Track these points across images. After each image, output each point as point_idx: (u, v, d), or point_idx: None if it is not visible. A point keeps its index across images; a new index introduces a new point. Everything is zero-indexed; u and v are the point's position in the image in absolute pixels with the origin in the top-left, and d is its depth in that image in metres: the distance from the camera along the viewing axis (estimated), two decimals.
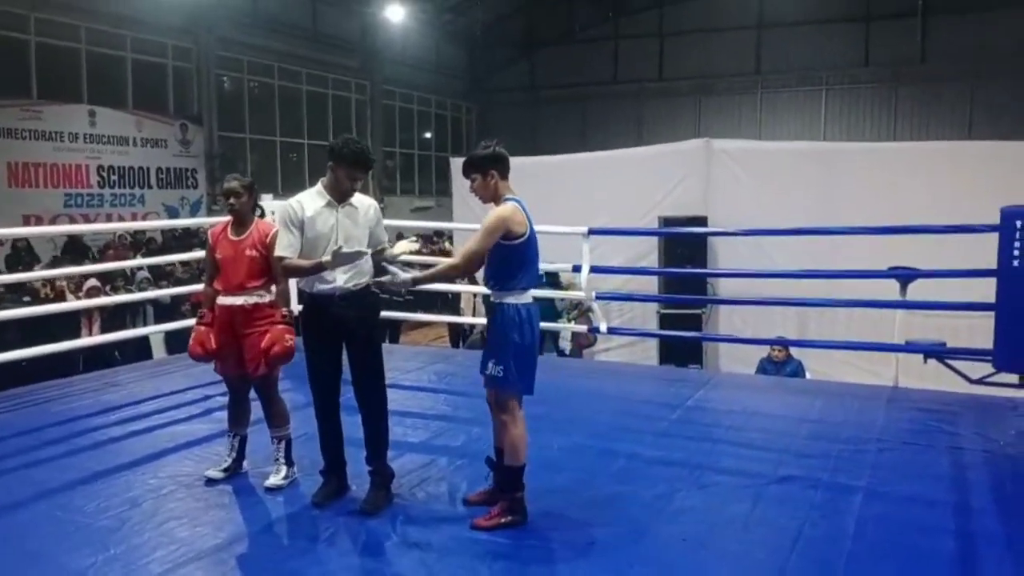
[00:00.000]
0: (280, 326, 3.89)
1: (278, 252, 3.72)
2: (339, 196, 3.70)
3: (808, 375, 7.62)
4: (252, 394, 4.14)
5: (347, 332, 3.73)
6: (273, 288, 4.01)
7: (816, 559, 3.29)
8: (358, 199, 3.76)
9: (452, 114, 27.65)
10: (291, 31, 20.30)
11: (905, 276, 5.94)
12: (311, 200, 3.72)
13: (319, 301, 3.75)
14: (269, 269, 3.95)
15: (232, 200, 3.99)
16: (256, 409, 4.19)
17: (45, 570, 3.23)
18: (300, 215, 3.67)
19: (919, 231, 6.10)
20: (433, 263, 6.72)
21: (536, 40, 27.06)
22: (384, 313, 4.24)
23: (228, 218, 4.08)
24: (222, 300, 3.99)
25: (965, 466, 4.34)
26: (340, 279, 3.68)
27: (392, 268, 3.62)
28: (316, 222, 3.67)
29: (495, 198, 3.54)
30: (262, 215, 4.19)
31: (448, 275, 3.84)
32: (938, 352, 5.79)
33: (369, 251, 3.73)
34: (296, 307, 4.17)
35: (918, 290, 5.99)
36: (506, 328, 3.49)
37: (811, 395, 5.94)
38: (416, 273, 3.64)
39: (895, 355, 6.20)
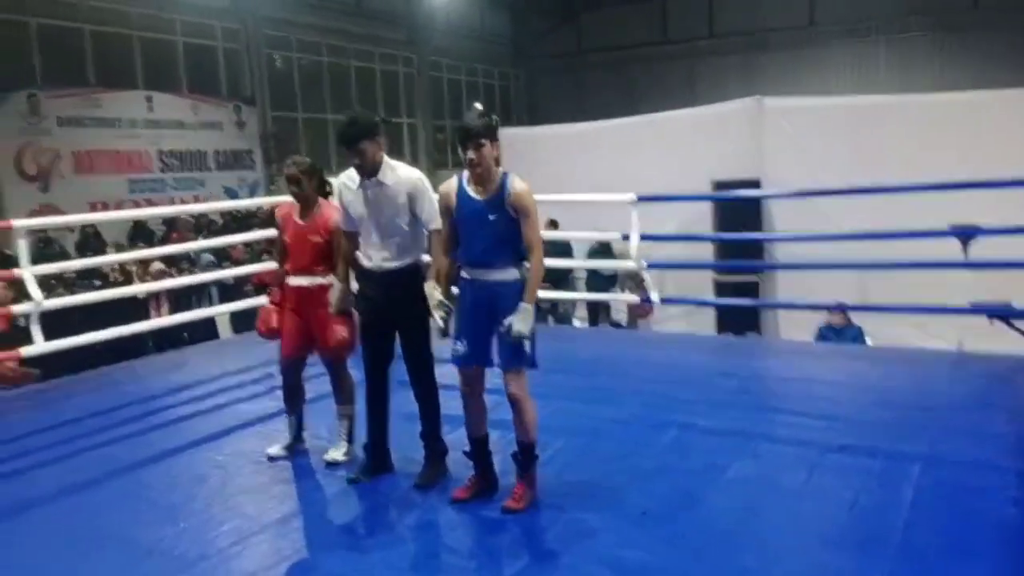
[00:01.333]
0: (333, 319, 3.91)
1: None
2: (362, 174, 3.71)
3: (869, 341, 7.47)
4: (305, 375, 4.24)
5: (392, 309, 3.77)
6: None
7: (872, 528, 3.26)
8: (392, 175, 3.70)
9: (500, 83, 27.50)
10: (336, 6, 20.38)
11: (966, 234, 5.76)
12: (352, 180, 3.77)
13: (364, 277, 3.85)
14: (332, 253, 4.01)
15: (293, 187, 4.05)
16: (315, 387, 4.30)
17: (117, 544, 3.39)
18: (341, 196, 3.80)
19: (983, 186, 5.89)
20: None
21: (581, 3, 26.63)
22: None
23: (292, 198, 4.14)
24: (291, 280, 4.10)
25: None
26: (376, 257, 3.74)
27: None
28: (352, 203, 3.76)
29: (491, 168, 3.39)
30: (330, 194, 4.20)
31: (542, 274, 3.54)
32: (1004, 313, 5.62)
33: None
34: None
35: (981, 248, 5.81)
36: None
37: (871, 361, 5.85)
38: (526, 303, 3.38)
39: (959, 317, 6.03)
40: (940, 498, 3.49)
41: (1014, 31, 20.97)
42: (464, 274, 3.53)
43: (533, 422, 3.49)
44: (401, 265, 3.75)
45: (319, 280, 4.03)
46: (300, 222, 4.07)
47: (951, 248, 5.99)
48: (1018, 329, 5.61)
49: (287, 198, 4.24)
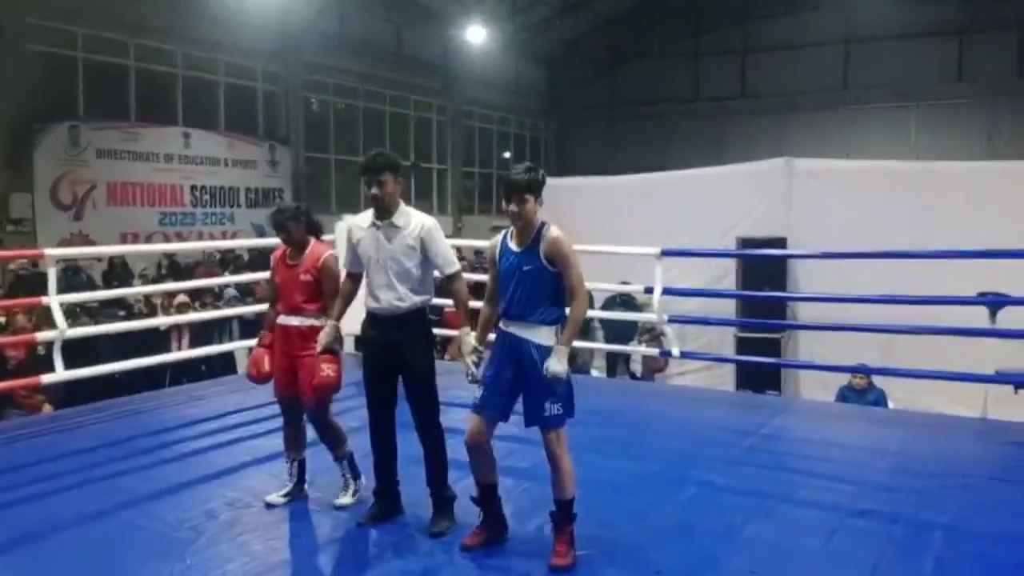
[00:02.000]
0: (320, 357, 3.86)
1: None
2: (376, 213, 3.76)
3: (891, 404, 7.35)
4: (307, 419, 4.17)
5: (398, 352, 3.76)
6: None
7: None
8: (405, 219, 3.75)
9: (531, 133, 27.83)
10: (376, 54, 20.82)
11: (995, 303, 5.69)
12: (363, 220, 3.83)
13: (369, 319, 3.84)
14: (322, 293, 4.02)
15: (282, 235, 4.09)
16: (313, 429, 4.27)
17: None
18: (350, 237, 3.86)
19: (1012, 256, 5.83)
20: None
21: (616, 57, 27.02)
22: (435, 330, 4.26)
23: None
24: (280, 320, 4.09)
25: None
26: (383, 299, 3.73)
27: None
28: (362, 242, 3.80)
29: (532, 221, 3.43)
30: (318, 234, 4.24)
31: (581, 324, 3.57)
32: None
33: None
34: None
35: (1009, 317, 5.72)
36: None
37: (894, 425, 5.73)
38: (563, 345, 3.37)
39: (984, 385, 5.93)
40: (962, 571, 3.38)
41: None
42: (500, 324, 3.54)
43: (570, 480, 3.44)
44: (408, 308, 3.75)
45: (310, 320, 4.00)
46: (290, 262, 4.09)
47: (978, 315, 5.92)
48: None
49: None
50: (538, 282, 3.40)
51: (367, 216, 3.82)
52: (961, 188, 8.63)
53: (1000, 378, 5.67)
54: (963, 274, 6.55)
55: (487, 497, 3.59)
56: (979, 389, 6.07)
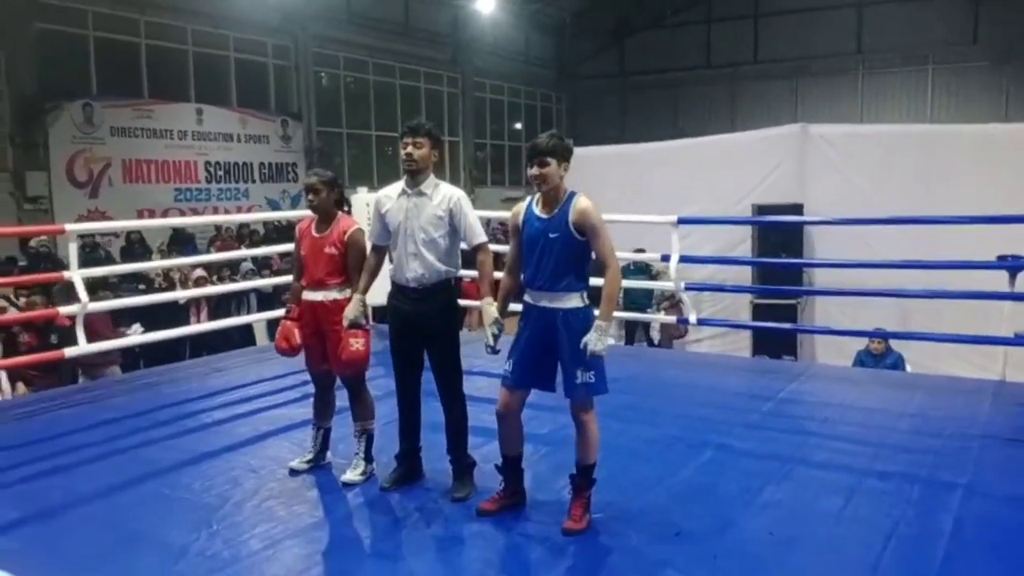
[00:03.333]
0: (348, 330, 3.86)
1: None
2: (407, 180, 3.78)
3: (909, 368, 7.34)
4: (338, 385, 4.19)
5: (423, 323, 3.78)
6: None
7: (910, 558, 3.19)
8: (435, 189, 3.78)
9: (542, 104, 27.63)
10: (384, 26, 20.69)
11: (1014, 267, 5.64)
12: (393, 190, 3.87)
13: (395, 290, 3.87)
14: (347, 267, 4.00)
15: (311, 196, 4.04)
16: (343, 398, 4.27)
17: (151, 545, 3.42)
18: (379, 206, 3.87)
19: None
20: None
21: (626, 26, 26.70)
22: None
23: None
24: (306, 295, 4.07)
25: None
26: (410, 270, 3.75)
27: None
28: (391, 212, 3.82)
29: (559, 188, 3.42)
30: (348, 210, 4.25)
31: (616, 296, 3.54)
32: None
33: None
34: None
35: None
36: (586, 331, 3.36)
37: (911, 389, 5.73)
38: (603, 321, 3.35)
39: (1003, 348, 5.90)
40: (980, 531, 3.40)
41: None
42: (527, 297, 3.50)
43: (596, 446, 3.47)
44: (434, 280, 3.77)
45: (333, 294, 3.99)
46: (316, 235, 4.06)
47: (997, 279, 5.88)
48: None
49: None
50: (564, 251, 3.37)
51: (397, 186, 3.84)
52: (977, 151, 8.53)
53: (1019, 340, 5.64)
54: (981, 238, 6.50)
55: (511, 467, 3.63)
56: (997, 352, 6.03)
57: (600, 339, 3.31)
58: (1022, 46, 21.19)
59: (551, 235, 3.38)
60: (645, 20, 26.23)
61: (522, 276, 3.52)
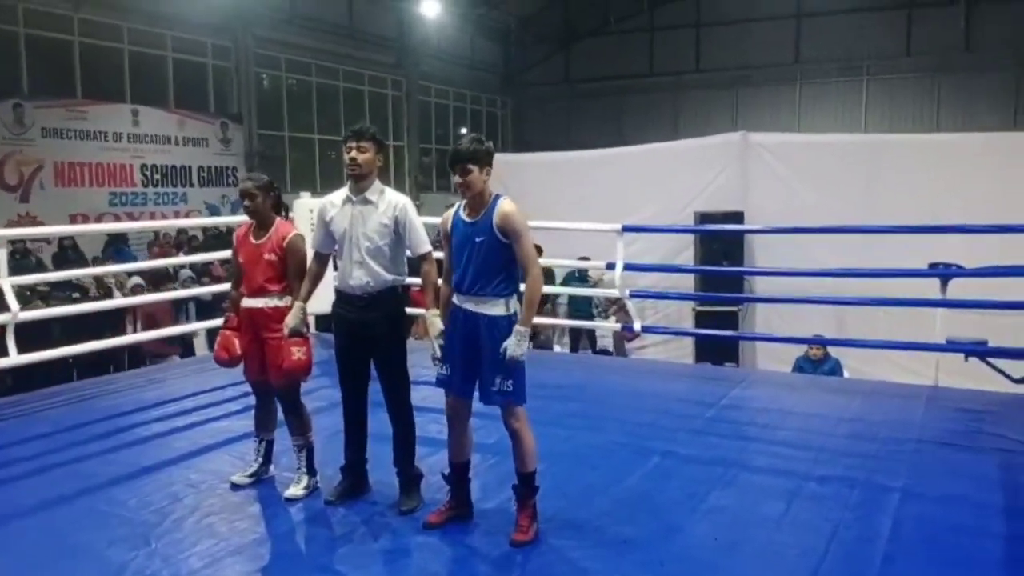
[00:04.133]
0: (289, 339, 3.78)
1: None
2: (352, 185, 3.73)
3: (846, 373, 7.53)
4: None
5: (369, 332, 3.73)
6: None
7: (850, 560, 3.27)
8: (381, 196, 3.73)
9: (487, 109, 27.66)
10: (328, 28, 20.45)
11: (946, 274, 5.84)
12: (337, 197, 3.82)
13: (340, 299, 3.81)
14: (286, 273, 3.93)
15: (247, 202, 3.95)
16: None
17: (88, 563, 3.31)
18: (323, 214, 3.82)
19: (961, 231, 5.99)
20: None
21: (571, 33, 26.90)
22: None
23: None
24: (244, 303, 3.98)
25: (1008, 467, 4.26)
26: (355, 278, 3.70)
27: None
28: (335, 219, 3.77)
29: (483, 192, 3.41)
30: (287, 215, 4.17)
31: (537, 302, 3.48)
32: (980, 351, 5.69)
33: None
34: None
35: (959, 288, 5.89)
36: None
37: (849, 394, 5.87)
38: (522, 326, 3.34)
39: (936, 354, 6.10)
40: (918, 531, 3.50)
41: (1006, 74, 21.38)
42: (454, 299, 3.51)
43: (532, 453, 3.45)
44: (380, 288, 3.73)
45: (273, 301, 3.91)
46: (254, 241, 3.97)
47: (929, 286, 6.08)
48: (994, 366, 5.67)
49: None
50: (491, 254, 3.38)
51: (341, 193, 3.79)
52: (913, 160, 8.82)
53: (951, 347, 5.83)
54: (915, 246, 6.71)
55: (459, 476, 3.61)
56: (931, 358, 6.24)
57: (519, 344, 3.32)
58: (953, 59, 21.99)
59: (477, 239, 3.38)
60: (590, 27, 26.48)
61: (451, 280, 3.52)
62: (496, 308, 3.40)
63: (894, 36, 22.88)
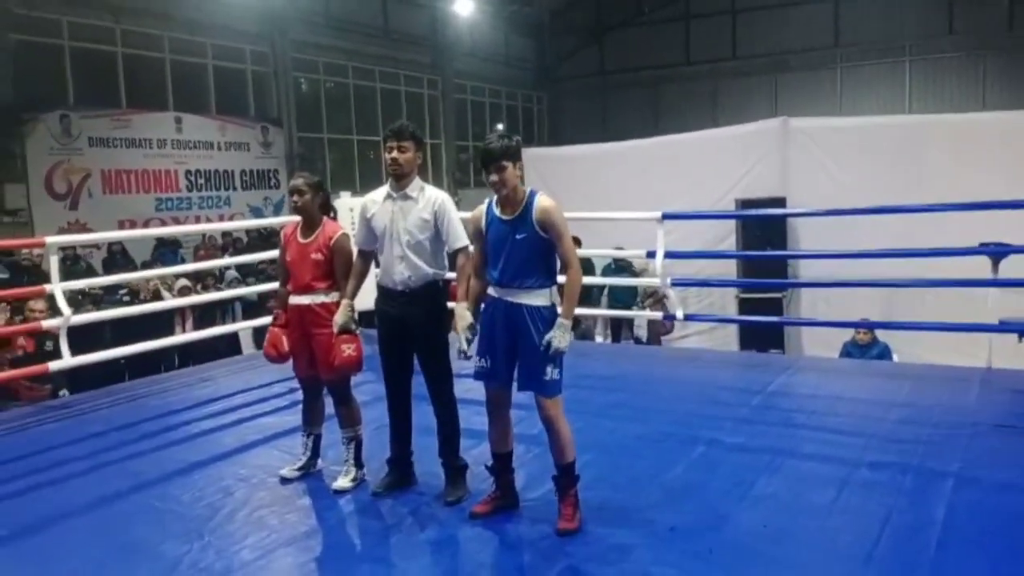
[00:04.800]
0: (339, 336, 3.84)
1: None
2: (392, 183, 3.78)
3: (895, 358, 7.38)
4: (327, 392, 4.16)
5: (411, 327, 3.77)
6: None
7: (904, 547, 3.20)
8: (421, 192, 3.77)
9: (523, 104, 27.64)
10: (362, 30, 20.61)
11: (997, 253, 5.69)
12: (378, 195, 3.86)
13: (382, 294, 3.85)
14: (333, 271, 3.99)
15: (295, 197, 4.02)
16: (330, 404, 4.23)
17: (143, 558, 3.38)
18: (365, 211, 3.87)
19: (1011, 206, 5.82)
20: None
21: (604, 25, 26.76)
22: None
23: (299, 217, 4.11)
24: (292, 300, 4.05)
25: None
26: (396, 274, 3.74)
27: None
28: (376, 216, 3.81)
29: (517, 188, 3.42)
30: (334, 216, 4.23)
31: (579, 289, 3.48)
32: None
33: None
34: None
35: (1011, 266, 5.73)
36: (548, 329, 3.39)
37: (899, 378, 5.76)
38: (565, 319, 3.37)
39: (988, 335, 5.94)
40: (973, 518, 3.41)
41: None
42: (491, 291, 3.51)
43: (569, 444, 3.45)
44: (421, 283, 3.76)
45: (320, 298, 3.98)
46: (301, 240, 4.04)
47: (980, 266, 5.92)
48: None
49: (298, 218, 4.16)
50: (532, 250, 3.39)
51: (382, 190, 3.84)
52: (957, 140, 8.60)
53: (1004, 327, 5.68)
54: (963, 226, 6.54)
55: (502, 466, 3.61)
56: (983, 339, 6.06)
57: (563, 336, 3.32)
58: (997, 36, 21.41)
59: (517, 236, 3.38)
60: (623, 17, 26.29)
61: (488, 275, 3.52)
62: (538, 299, 3.41)
63: (936, 16, 22.34)
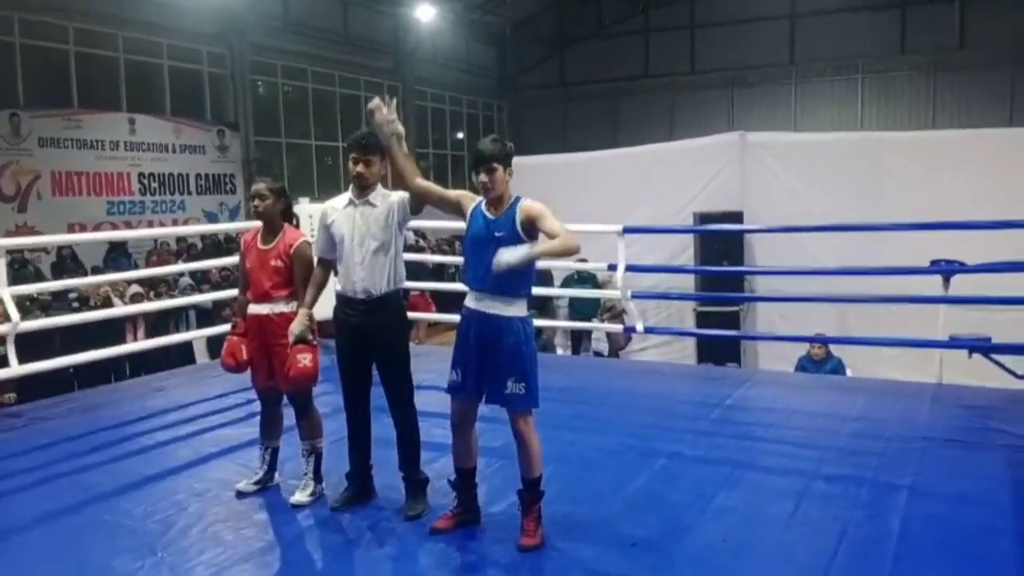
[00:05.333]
0: (295, 346, 3.75)
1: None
2: (355, 191, 3.74)
3: (849, 372, 7.52)
4: (286, 401, 4.06)
5: (370, 338, 3.72)
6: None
7: (862, 559, 3.24)
8: (383, 199, 3.73)
9: (484, 113, 27.66)
10: (323, 34, 20.44)
11: (948, 271, 5.83)
12: (339, 201, 3.81)
13: (342, 303, 3.79)
14: (293, 279, 3.92)
15: (257, 202, 3.95)
16: (289, 416, 4.12)
17: (96, 574, 3.29)
18: (324, 218, 3.81)
19: (962, 227, 5.98)
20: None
21: (566, 36, 26.94)
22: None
23: (260, 224, 4.04)
24: (251, 309, 3.97)
25: (1014, 464, 4.24)
26: (357, 282, 3.69)
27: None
28: (336, 222, 3.76)
29: (506, 193, 3.41)
30: (296, 224, 4.17)
31: (568, 252, 3.37)
32: (983, 347, 5.68)
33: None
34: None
35: (962, 284, 5.88)
36: (526, 341, 3.38)
37: (853, 392, 5.86)
38: (532, 249, 3.22)
39: (939, 351, 6.09)
40: (928, 530, 3.48)
41: (1001, 72, 21.41)
42: (468, 303, 3.47)
43: (538, 458, 3.42)
44: (383, 291, 3.71)
45: (280, 307, 3.90)
46: (262, 247, 3.96)
47: (932, 283, 6.07)
48: (997, 362, 5.67)
49: (259, 224, 4.08)
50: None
51: (344, 197, 3.79)
52: (912, 157, 8.82)
53: (954, 343, 5.82)
54: (916, 243, 6.70)
55: (465, 482, 3.58)
56: (934, 355, 6.21)
57: (512, 254, 3.15)
58: (948, 57, 22.04)
59: (498, 234, 3.35)
60: (584, 30, 26.49)
61: (464, 281, 3.49)
62: (512, 309, 3.38)
63: (888, 34, 22.93)
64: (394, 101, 3.62)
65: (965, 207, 6.58)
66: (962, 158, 8.52)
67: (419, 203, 3.71)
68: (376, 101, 3.64)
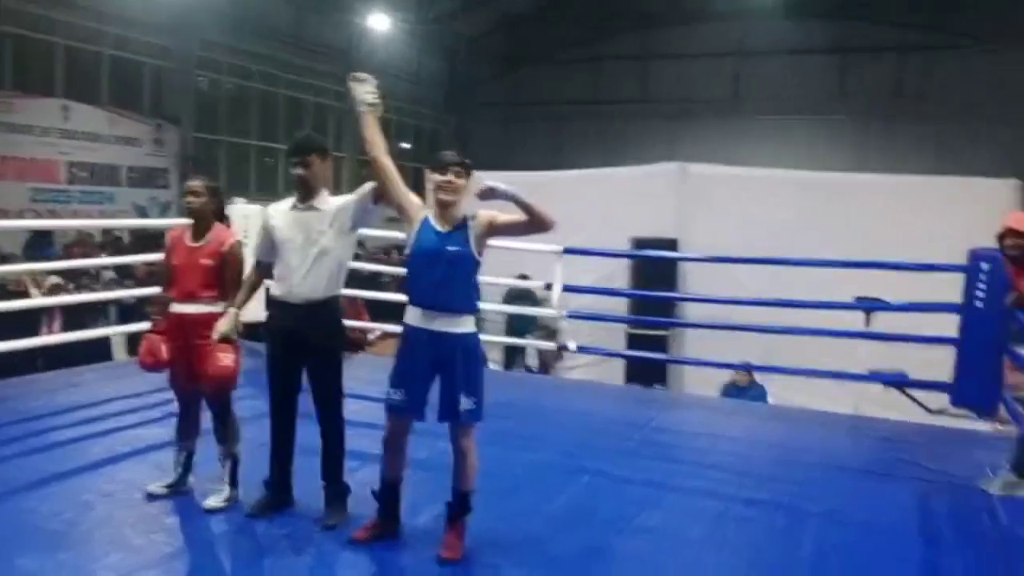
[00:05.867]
0: (218, 344, 3.65)
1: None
2: (298, 196, 3.67)
3: (771, 400, 7.69)
4: (204, 405, 3.94)
5: (303, 343, 3.64)
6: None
7: None
8: (326, 204, 3.66)
9: (430, 125, 27.64)
10: (274, 35, 20.17)
11: (870, 307, 6.04)
12: (283, 205, 3.74)
13: (277, 306, 3.71)
14: (221, 279, 3.82)
15: (191, 198, 3.84)
16: (207, 419, 3.99)
17: None
18: (267, 220, 3.74)
19: (887, 267, 6.20)
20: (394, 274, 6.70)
21: (518, 57, 27.15)
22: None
23: (189, 221, 3.93)
24: (174, 308, 3.84)
25: (923, 495, 4.40)
26: (294, 286, 3.62)
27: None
28: (278, 228, 3.68)
29: (460, 206, 3.39)
30: (228, 224, 4.06)
31: (545, 218, 3.45)
32: (899, 382, 5.88)
33: None
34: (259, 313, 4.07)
35: (882, 321, 6.09)
36: (478, 357, 3.38)
37: (773, 420, 6.00)
38: (510, 187, 3.30)
39: (857, 384, 6.28)
40: (839, 557, 3.57)
41: (935, 121, 22.34)
42: (411, 320, 3.39)
43: (474, 472, 3.41)
44: (319, 297, 3.64)
45: (206, 308, 3.79)
46: (191, 244, 3.85)
47: (855, 318, 6.27)
48: (912, 397, 5.87)
49: (188, 221, 3.97)
50: (463, 266, 3.33)
51: (288, 201, 3.72)
52: (845, 197, 9.12)
53: (871, 377, 6.01)
54: (842, 279, 6.91)
55: (390, 493, 3.53)
56: (852, 387, 6.44)
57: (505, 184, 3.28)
58: (882, 105, 22.96)
59: (450, 248, 3.30)
60: (537, 52, 26.76)
61: (410, 297, 3.42)
62: (464, 325, 3.35)
63: (828, 77, 23.77)
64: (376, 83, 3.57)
65: (890, 248, 6.81)
66: (889, 201, 8.85)
67: (382, 187, 3.58)
68: (365, 75, 3.60)
